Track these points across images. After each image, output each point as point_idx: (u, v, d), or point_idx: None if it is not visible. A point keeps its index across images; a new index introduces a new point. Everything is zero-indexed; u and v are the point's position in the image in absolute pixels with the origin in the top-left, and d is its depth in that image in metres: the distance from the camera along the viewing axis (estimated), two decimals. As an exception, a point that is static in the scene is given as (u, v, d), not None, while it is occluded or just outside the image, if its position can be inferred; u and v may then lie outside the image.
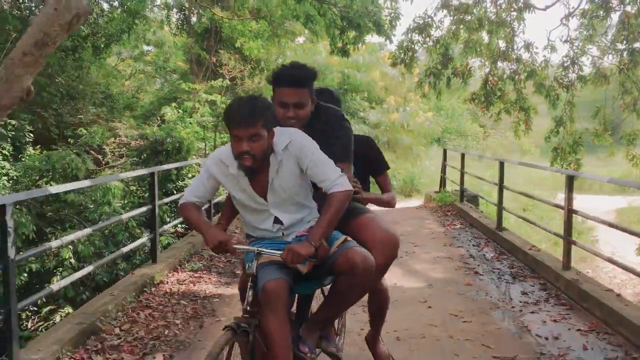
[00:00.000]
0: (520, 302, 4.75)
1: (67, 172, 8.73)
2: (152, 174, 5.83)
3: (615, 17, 10.93)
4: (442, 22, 11.76)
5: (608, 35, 11.56)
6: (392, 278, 5.47)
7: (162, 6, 15.70)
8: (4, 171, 8.83)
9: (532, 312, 4.48)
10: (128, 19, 11.13)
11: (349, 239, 2.41)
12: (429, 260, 6.26)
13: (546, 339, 3.91)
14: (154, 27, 15.42)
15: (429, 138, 21.91)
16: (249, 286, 2.32)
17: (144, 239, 6.18)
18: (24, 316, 7.58)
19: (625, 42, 10.82)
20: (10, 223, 3.06)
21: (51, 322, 7.26)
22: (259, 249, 2.33)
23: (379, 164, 3.22)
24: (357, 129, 18.88)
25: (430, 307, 4.65)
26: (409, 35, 11.60)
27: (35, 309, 7.56)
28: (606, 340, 3.87)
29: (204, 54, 13.27)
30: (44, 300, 7.19)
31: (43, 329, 7.09)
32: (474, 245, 6.96)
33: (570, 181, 5.27)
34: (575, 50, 11.36)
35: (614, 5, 10.75)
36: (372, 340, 3.10)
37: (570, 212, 5.25)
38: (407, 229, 8.03)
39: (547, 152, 13.10)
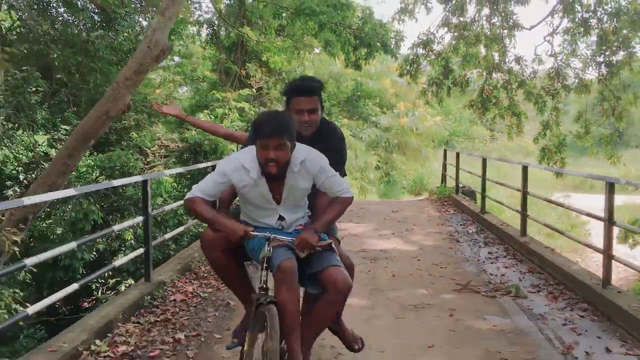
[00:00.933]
0: (486, 258, 6.60)
1: (124, 169, 10.68)
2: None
3: (594, 33, 12.71)
4: (443, 38, 13.61)
5: (589, 50, 13.29)
6: (394, 244, 7.35)
7: (194, 23, 17.65)
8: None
9: (492, 263, 6.33)
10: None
11: (334, 244, 2.81)
12: (423, 234, 8.11)
13: (495, 275, 5.75)
14: (186, 42, 17.39)
15: (437, 141, 23.68)
16: (263, 267, 2.68)
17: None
18: (93, 287, 9.42)
19: (603, 55, 12.57)
20: (149, 192, 4.98)
21: (117, 291, 9.12)
22: (272, 235, 2.73)
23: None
24: (370, 132, 20.71)
25: (419, 260, 6.52)
26: (414, 49, 13.45)
27: (102, 280, 9.39)
28: (537, 277, 5.70)
29: (234, 67, 15.17)
30: (110, 273, 9.00)
31: (112, 296, 8.85)
32: (460, 225, 8.81)
33: (524, 171, 7.09)
34: (560, 63, 13.14)
35: (592, 24, 12.53)
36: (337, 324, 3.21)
37: (524, 194, 7.06)
38: (407, 214, 9.91)
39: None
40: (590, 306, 4.65)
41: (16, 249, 6.03)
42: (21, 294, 6.91)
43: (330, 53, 11.68)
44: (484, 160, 9.28)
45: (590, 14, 12.42)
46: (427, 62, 13.73)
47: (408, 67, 13.52)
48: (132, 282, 8.80)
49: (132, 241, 10.13)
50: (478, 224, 8.74)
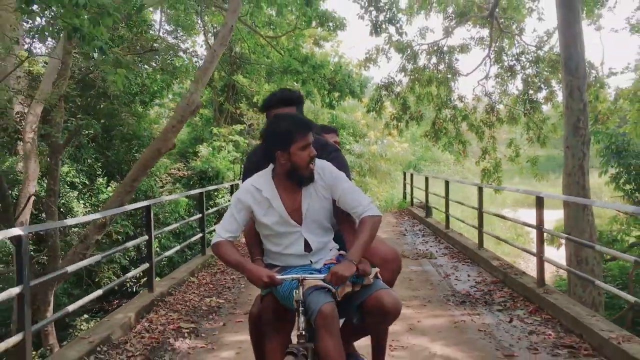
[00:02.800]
0: (420, 243, 9.94)
1: (147, 193, 13.89)
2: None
3: (519, 77, 16.43)
4: (401, 81, 17.20)
5: (516, 90, 16.99)
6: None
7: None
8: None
9: (422, 244, 9.68)
10: (168, 79, 15.76)
11: (378, 274, 2.66)
12: (380, 232, 11.43)
13: (422, 250, 9.08)
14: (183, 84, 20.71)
15: (405, 165, 27.20)
16: (299, 312, 2.45)
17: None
18: (129, 284, 12.44)
19: (527, 94, 16.25)
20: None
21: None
22: (303, 275, 2.49)
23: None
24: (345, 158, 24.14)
25: (375, 245, 9.85)
26: (378, 91, 17.00)
27: (135, 280, 12.41)
28: (447, 249, 9.05)
29: (228, 106, 18.52)
30: (141, 274, 12.08)
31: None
32: (410, 225, 12.19)
33: (446, 185, 10.51)
34: (493, 100, 16.81)
35: (517, 70, 16.25)
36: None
37: (447, 200, 10.47)
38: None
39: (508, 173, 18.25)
40: (467, 257, 8.06)
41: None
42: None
43: (310, 100, 15.10)
44: (427, 179, 12.73)
45: (515, 62, 16.15)
46: (389, 100, 17.29)
47: (374, 105, 17.05)
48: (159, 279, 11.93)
49: (157, 248, 13.23)
50: (422, 225, 12.12)
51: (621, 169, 11.31)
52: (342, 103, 16.22)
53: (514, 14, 15.67)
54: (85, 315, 10.61)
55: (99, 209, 13.09)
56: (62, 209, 11.86)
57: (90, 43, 5.25)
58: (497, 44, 16.58)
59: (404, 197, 16.98)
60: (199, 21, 16.78)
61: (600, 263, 10.07)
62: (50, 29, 7.01)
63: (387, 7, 12.04)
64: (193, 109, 10.07)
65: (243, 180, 2.89)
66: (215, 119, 20.15)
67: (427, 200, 12.54)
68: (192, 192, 10.45)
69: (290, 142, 2.51)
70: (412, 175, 15.58)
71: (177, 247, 8.35)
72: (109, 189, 13.83)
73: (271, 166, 2.68)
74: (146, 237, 6.06)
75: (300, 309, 2.45)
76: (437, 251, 8.98)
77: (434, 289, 6.40)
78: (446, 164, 30.62)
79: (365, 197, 2.65)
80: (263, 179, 2.67)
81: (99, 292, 4.86)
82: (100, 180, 14.32)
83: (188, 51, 17.04)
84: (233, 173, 17.01)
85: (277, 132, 2.54)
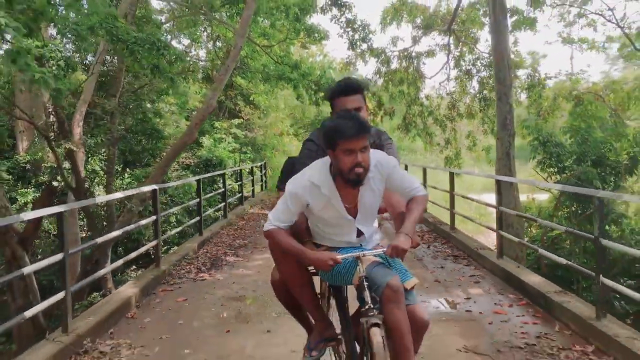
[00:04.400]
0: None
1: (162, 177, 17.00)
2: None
3: (475, 79, 19.77)
4: (376, 81, 20.44)
5: (473, 90, 20.35)
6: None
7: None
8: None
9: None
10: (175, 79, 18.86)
11: (413, 288, 2.67)
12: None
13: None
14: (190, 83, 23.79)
15: (385, 154, 30.55)
16: (365, 286, 2.52)
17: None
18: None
19: (482, 93, 19.58)
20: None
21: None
22: (362, 252, 2.63)
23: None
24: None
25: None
26: (357, 90, 20.20)
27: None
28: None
29: (229, 103, 21.67)
30: (162, 243, 15.29)
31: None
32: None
33: (424, 172, 13.79)
34: (455, 98, 20.14)
35: (473, 73, 19.58)
36: None
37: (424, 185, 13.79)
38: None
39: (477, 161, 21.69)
40: (445, 239, 11.33)
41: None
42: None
43: (300, 101, 18.31)
44: (406, 166, 16.02)
45: (471, 66, 19.49)
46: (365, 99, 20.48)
47: (353, 102, 20.25)
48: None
49: (174, 222, 16.32)
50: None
51: (545, 156, 14.59)
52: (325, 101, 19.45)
53: (471, 27, 18.96)
54: (134, 266, 13.82)
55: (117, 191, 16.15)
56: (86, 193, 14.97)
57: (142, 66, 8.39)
58: (458, 50, 19.89)
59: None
60: (205, 32, 19.88)
61: (523, 227, 13.43)
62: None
63: (361, 28, 15.27)
64: (210, 110, 13.22)
65: (299, 163, 2.99)
66: (215, 114, 23.26)
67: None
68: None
69: (334, 144, 2.52)
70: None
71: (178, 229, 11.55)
72: (125, 175, 16.85)
73: (328, 160, 2.67)
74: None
75: (366, 284, 2.52)
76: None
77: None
78: (422, 153, 34.02)
79: (415, 180, 2.75)
80: (322, 175, 2.66)
81: (154, 242, 8.11)
82: (118, 168, 17.34)
83: (192, 55, 20.16)
84: (233, 161, 20.18)
85: (325, 132, 2.56)
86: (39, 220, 10.97)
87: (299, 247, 2.64)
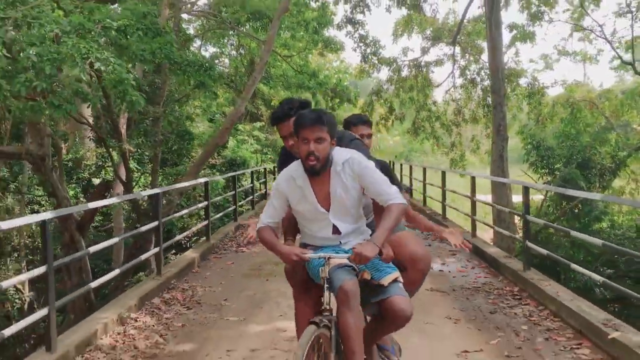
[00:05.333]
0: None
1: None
2: (205, 183, 10.69)
3: (479, 87, 21.65)
4: (388, 89, 22.42)
5: (477, 97, 22.21)
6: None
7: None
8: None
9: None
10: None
11: (399, 278, 2.84)
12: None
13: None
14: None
15: (398, 155, 32.51)
16: (325, 288, 2.70)
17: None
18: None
19: (485, 100, 21.43)
20: (210, 193, 13.53)
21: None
22: (329, 254, 2.74)
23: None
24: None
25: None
26: (370, 96, 22.24)
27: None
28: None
29: (251, 107, 23.78)
30: (189, 237, 17.41)
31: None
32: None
33: (424, 172, 15.75)
34: (460, 105, 22.05)
35: (477, 82, 21.47)
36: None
37: (424, 184, 15.72)
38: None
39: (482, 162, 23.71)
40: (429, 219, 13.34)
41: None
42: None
43: (318, 106, 20.39)
44: (410, 167, 17.97)
45: (476, 75, 21.40)
46: (378, 104, 22.54)
47: (366, 107, 22.31)
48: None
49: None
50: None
51: (537, 158, 16.49)
52: (341, 107, 21.52)
53: (475, 38, 20.85)
54: (174, 251, 15.99)
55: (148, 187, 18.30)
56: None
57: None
58: (465, 60, 21.81)
59: (390, 180, 22.27)
60: (229, 41, 22.01)
61: (513, 222, 15.34)
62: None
63: (372, 43, 17.31)
64: (239, 115, 15.35)
65: (279, 167, 3.20)
66: (239, 117, 25.39)
67: (411, 183, 17.74)
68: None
69: (297, 133, 2.77)
70: (392, 163, 20.86)
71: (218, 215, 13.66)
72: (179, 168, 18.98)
73: None
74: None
75: (326, 285, 2.69)
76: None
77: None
78: (433, 155, 35.95)
79: (391, 186, 2.80)
80: (298, 167, 2.86)
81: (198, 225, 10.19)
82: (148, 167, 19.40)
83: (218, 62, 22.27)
84: (255, 161, 22.28)
85: (294, 122, 2.81)
86: (95, 209, 13.11)
87: (272, 243, 2.86)
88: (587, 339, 4.43)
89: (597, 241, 5.37)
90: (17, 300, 15.39)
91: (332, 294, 2.70)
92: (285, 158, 3.17)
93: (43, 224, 3.99)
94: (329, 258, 2.71)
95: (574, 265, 5.61)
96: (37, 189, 17.57)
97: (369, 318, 3.13)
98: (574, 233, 6.03)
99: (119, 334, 4.81)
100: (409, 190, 19.49)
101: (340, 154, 2.84)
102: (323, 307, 2.70)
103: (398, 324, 2.78)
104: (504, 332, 4.75)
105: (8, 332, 3.72)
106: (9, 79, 6.33)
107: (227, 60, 25.99)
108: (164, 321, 5.21)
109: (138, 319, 5.20)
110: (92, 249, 5.39)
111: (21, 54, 6.17)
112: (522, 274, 6.18)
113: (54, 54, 6.07)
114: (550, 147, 16.41)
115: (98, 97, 7.69)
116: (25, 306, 15.57)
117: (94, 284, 5.25)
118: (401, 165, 20.58)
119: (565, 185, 14.54)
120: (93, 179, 18.40)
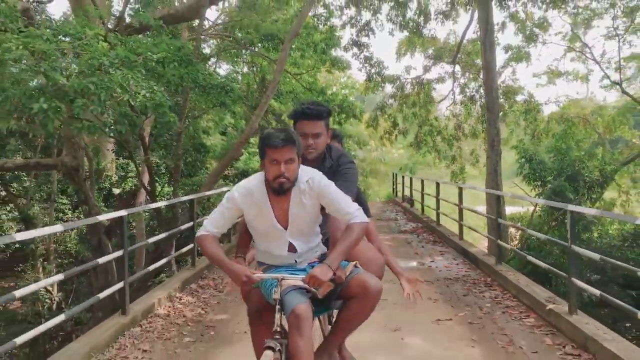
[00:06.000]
0: (394, 217, 16.58)
1: (200, 186, 20.61)
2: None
3: (478, 103, 23.03)
4: (392, 104, 23.83)
5: (477, 113, 23.58)
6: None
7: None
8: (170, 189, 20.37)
9: (395, 218, 16.33)
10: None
11: (357, 265, 2.83)
12: (374, 215, 18.16)
13: (394, 219, 15.72)
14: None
15: (403, 168, 33.83)
16: (276, 309, 2.67)
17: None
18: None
19: (484, 116, 22.78)
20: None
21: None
22: (283, 275, 2.71)
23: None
24: (350, 162, 30.98)
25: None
26: (374, 112, 23.66)
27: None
28: (407, 217, 15.67)
29: (262, 122, 25.22)
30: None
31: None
32: (395, 212, 18.79)
33: (422, 183, 17.12)
34: (460, 120, 23.42)
35: (476, 99, 22.86)
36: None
37: (422, 194, 17.08)
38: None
39: (481, 174, 25.18)
40: (431, 231, 14.69)
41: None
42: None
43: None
44: (410, 179, 19.35)
45: (475, 92, 22.79)
46: (382, 119, 23.94)
47: (371, 122, 23.73)
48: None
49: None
50: (404, 211, 18.73)
51: (530, 171, 17.81)
52: (347, 121, 22.91)
53: (474, 58, 22.25)
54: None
55: (164, 198, 19.70)
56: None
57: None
58: (464, 78, 23.21)
59: (393, 191, 23.64)
60: (241, 59, 23.52)
61: (506, 232, 16.63)
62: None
63: (376, 64, 18.76)
64: (253, 132, 16.70)
65: None
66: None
67: (411, 194, 19.10)
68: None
69: (264, 153, 2.75)
70: (395, 175, 22.25)
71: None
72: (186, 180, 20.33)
73: None
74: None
75: (277, 307, 2.65)
76: (401, 217, 15.59)
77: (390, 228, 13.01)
78: (436, 167, 37.30)
79: (352, 204, 2.81)
80: (258, 182, 2.84)
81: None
82: (164, 179, 20.84)
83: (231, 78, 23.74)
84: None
85: (261, 141, 2.81)
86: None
87: (220, 257, 2.77)
88: (533, 312, 5.79)
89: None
90: (47, 300, 16.75)
91: (283, 315, 2.68)
92: None
93: (120, 219, 5.41)
94: (282, 279, 2.70)
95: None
96: (61, 198, 19.03)
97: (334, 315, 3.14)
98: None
99: (170, 307, 6.20)
100: (410, 202, 20.82)
101: (303, 174, 2.85)
102: (274, 329, 2.67)
103: (370, 298, 2.73)
104: (471, 307, 6.10)
105: (84, 305, 5.10)
106: (59, 99, 7.56)
107: (239, 77, 27.57)
108: (202, 299, 6.60)
109: (182, 298, 6.59)
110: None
111: (69, 80, 7.40)
112: (495, 267, 7.52)
113: (106, 83, 7.47)
114: (542, 160, 17.73)
115: (141, 119, 9.04)
116: (54, 306, 16.97)
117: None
118: (403, 177, 21.96)
119: (555, 197, 15.84)
120: (113, 189, 19.79)
